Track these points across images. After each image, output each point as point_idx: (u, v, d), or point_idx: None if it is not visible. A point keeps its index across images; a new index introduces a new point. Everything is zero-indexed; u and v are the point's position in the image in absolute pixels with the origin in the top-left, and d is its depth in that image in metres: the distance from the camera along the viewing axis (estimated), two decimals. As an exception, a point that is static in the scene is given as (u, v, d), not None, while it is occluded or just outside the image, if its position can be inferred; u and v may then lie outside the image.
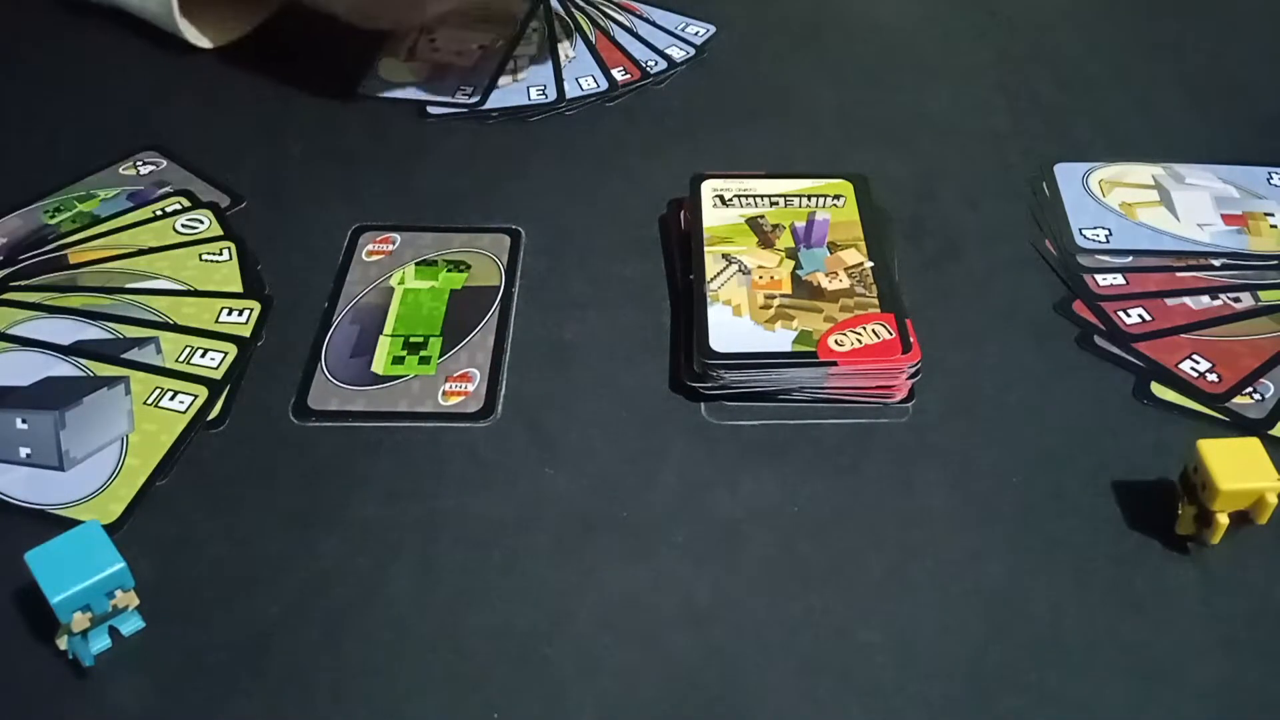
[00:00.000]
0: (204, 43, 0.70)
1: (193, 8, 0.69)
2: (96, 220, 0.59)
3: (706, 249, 0.54)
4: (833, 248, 0.54)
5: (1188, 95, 0.68)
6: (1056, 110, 0.67)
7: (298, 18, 0.68)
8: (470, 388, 0.51)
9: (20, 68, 0.70)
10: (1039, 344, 0.53)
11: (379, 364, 0.52)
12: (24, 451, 0.48)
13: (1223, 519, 0.43)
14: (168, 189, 0.61)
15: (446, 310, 0.54)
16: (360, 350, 0.53)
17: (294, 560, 0.45)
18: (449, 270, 0.56)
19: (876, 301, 0.51)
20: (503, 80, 0.68)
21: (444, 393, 0.51)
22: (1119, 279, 0.56)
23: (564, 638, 0.42)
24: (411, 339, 0.53)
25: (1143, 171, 0.62)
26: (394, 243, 0.58)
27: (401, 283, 0.56)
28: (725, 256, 0.54)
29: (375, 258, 0.57)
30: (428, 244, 0.58)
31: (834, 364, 0.49)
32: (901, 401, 0.50)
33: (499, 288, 0.56)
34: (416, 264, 0.57)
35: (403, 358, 0.52)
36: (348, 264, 0.57)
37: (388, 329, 0.53)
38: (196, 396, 0.50)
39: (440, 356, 0.52)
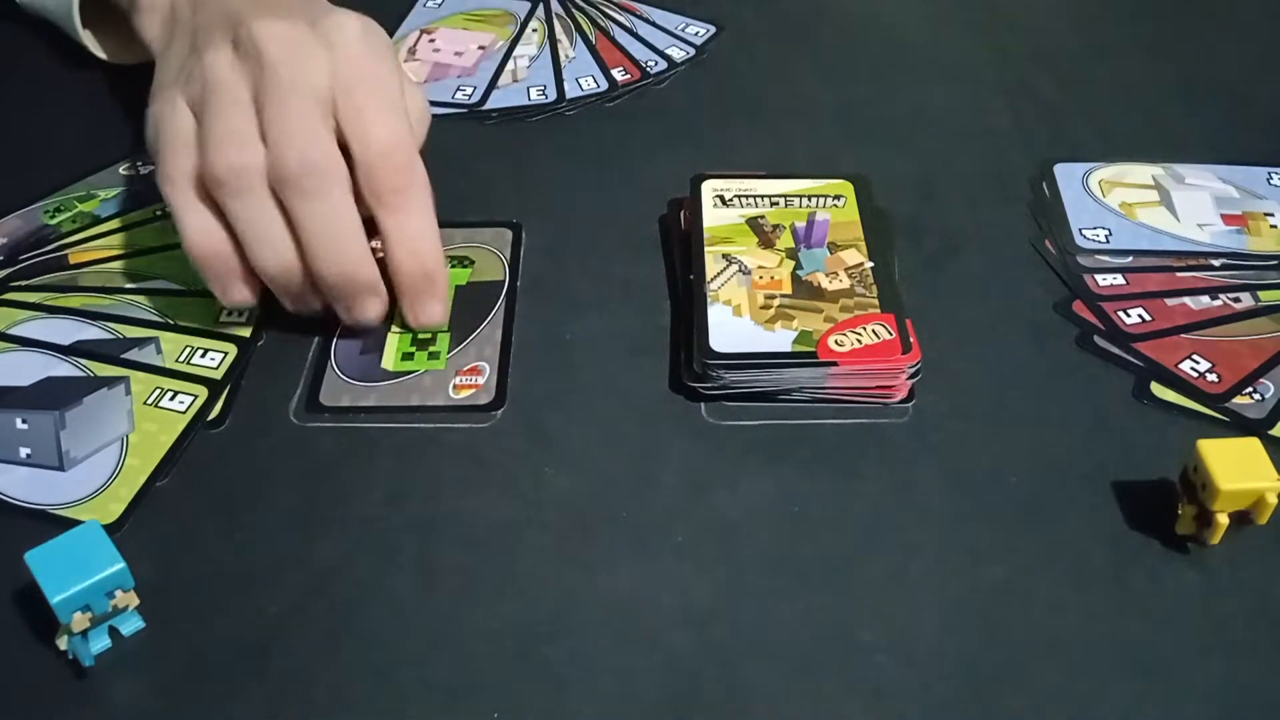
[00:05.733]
0: (102, 54, 0.66)
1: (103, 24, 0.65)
2: (96, 220, 0.59)
3: (706, 249, 0.54)
4: (833, 248, 0.54)
5: (1188, 95, 0.68)
6: (1056, 110, 0.67)
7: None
8: (481, 380, 0.51)
9: (20, 68, 0.70)
10: (1039, 344, 0.53)
11: (389, 360, 0.52)
12: (24, 451, 0.48)
13: (1223, 519, 0.43)
14: (168, 189, 0.61)
15: (453, 305, 0.54)
16: (369, 347, 0.53)
17: (294, 560, 0.45)
18: (454, 266, 0.56)
19: (876, 301, 0.51)
20: (503, 80, 0.68)
21: (455, 386, 0.51)
22: (1119, 279, 0.56)
23: (564, 638, 0.42)
24: (420, 335, 0.53)
25: (1143, 171, 0.62)
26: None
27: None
28: (725, 256, 0.54)
29: (378, 256, 0.57)
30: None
31: (834, 364, 0.49)
32: (901, 401, 0.50)
33: (504, 281, 0.56)
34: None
35: (412, 353, 0.52)
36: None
37: (396, 325, 0.53)
38: (196, 396, 0.50)
39: (449, 351, 0.52)
